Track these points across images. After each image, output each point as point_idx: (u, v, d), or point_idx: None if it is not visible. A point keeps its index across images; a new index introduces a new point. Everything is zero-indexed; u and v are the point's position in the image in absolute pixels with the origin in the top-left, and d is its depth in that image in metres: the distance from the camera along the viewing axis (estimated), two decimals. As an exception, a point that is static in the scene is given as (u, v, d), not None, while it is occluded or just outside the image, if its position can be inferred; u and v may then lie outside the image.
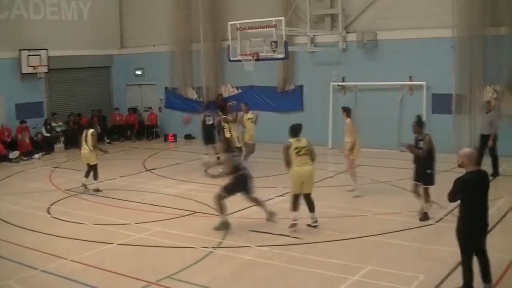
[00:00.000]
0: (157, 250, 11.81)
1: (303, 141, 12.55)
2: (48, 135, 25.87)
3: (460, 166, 9.37)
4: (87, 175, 17.13)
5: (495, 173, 17.39)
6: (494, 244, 9.70)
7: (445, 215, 13.22)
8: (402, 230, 12.27)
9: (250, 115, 19.68)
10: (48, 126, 26.15)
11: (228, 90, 27.26)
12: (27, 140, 24.34)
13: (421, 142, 12.87)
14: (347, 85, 23.45)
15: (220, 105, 21.19)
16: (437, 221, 12.86)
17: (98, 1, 29.45)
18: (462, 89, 20.55)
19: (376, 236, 11.92)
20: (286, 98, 25.07)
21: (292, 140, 12.48)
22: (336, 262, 10.51)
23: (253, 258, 10.95)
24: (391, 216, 13.44)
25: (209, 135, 19.82)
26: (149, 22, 28.99)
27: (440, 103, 21.20)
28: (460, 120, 20.68)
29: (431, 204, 13.08)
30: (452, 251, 10.67)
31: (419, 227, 12.50)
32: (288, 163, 12.41)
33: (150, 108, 29.56)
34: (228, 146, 13.67)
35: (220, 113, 19.57)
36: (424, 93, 21.54)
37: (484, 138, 17.73)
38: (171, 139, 27.78)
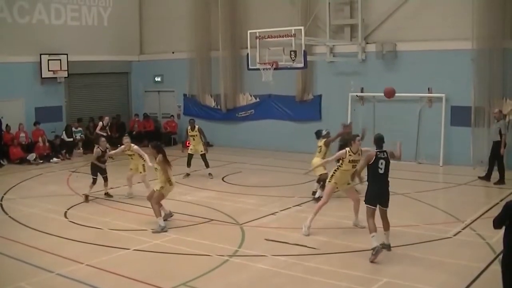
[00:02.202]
0: (173, 257, 11.81)
1: None
2: (71, 139, 26.05)
3: None
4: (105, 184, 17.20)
5: (502, 180, 18.08)
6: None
7: (463, 229, 13.13)
8: (419, 243, 12.17)
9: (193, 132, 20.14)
10: (70, 131, 26.30)
11: (246, 98, 27.25)
12: (45, 143, 24.49)
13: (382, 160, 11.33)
14: (365, 96, 23.38)
15: None
16: (455, 235, 12.76)
17: (118, 7, 29.65)
18: (481, 102, 20.43)
19: (392, 248, 11.82)
20: (305, 108, 25.03)
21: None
22: (352, 274, 10.45)
23: (268, 267, 10.90)
24: (408, 228, 13.34)
25: None
26: (169, 29, 29.14)
27: (459, 115, 21.09)
28: (479, 132, 20.53)
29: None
30: (468, 265, 10.62)
31: (436, 240, 12.39)
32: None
33: (172, 116, 29.58)
34: None
35: None
36: (443, 105, 21.43)
37: (496, 145, 18.27)
38: (188, 146, 27.76)
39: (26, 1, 25.64)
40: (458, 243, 12.23)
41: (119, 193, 17.54)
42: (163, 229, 13.36)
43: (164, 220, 13.67)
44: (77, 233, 13.33)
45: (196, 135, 20.09)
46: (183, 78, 28.76)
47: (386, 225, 11.49)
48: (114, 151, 17.74)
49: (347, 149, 12.87)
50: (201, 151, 20.04)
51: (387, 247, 11.42)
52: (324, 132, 16.66)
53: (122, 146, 17.13)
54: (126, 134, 19.60)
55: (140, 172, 16.88)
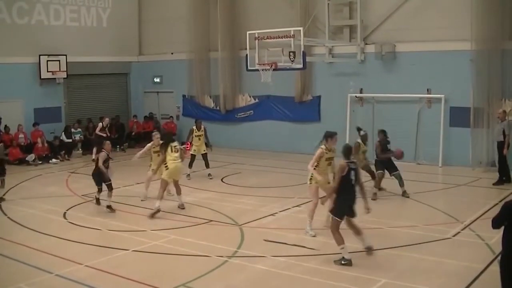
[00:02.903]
0: (172, 257, 11.79)
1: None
2: (70, 140, 26.07)
3: None
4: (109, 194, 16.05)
5: (508, 180, 18.21)
6: None
7: (462, 230, 13.14)
8: (418, 244, 12.17)
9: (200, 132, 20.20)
10: (68, 132, 26.32)
11: (245, 99, 27.26)
12: (44, 144, 24.48)
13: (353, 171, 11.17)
14: (364, 97, 23.39)
15: None
16: (454, 235, 12.76)
17: (118, 8, 29.68)
18: (480, 103, 20.42)
19: (391, 249, 11.84)
20: (303, 108, 25.02)
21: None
22: (351, 274, 10.45)
23: (268, 268, 10.90)
24: (407, 229, 13.35)
25: None
26: (168, 30, 29.16)
27: (458, 116, 21.08)
28: (478, 133, 20.53)
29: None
30: (467, 265, 10.62)
31: (436, 240, 12.38)
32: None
33: (171, 117, 29.57)
34: None
35: None
36: (442, 106, 21.43)
37: (499, 145, 18.33)
38: (187, 147, 27.73)
39: (25, 1, 25.68)
40: (457, 244, 12.24)
41: (119, 193, 17.50)
42: (157, 210, 14.60)
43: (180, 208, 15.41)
44: (76, 234, 13.34)
45: (202, 135, 20.21)
46: (182, 79, 28.77)
47: (358, 230, 11.31)
48: (141, 151, 17.15)
49: (323, 147, 12.90)
50: (204, 151, 20.16)
51: (370, 248, 11.30)
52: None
53: (150, 144, 16.86)
54: (156, 131, 19.62)
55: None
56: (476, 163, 20.56)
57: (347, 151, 11.30)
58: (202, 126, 20.26)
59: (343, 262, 10.88)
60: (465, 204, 15.79)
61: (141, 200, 16.61)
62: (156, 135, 16.89)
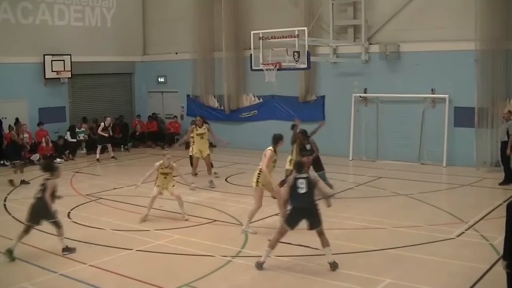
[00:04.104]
0: (176, 257, 11.80)
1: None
2: (74, 140, 26.10)
3: None
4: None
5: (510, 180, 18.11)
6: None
7: (466, 230, 13.12)
8: (422, 244, 12.16)
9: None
10: (74, 132, 26.38)
11: (249, 99, 27.27)
12: (48, 144, 24.51)
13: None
14: (369, 97, 23.37)
15: None
16: (458, 236, 12.75)
17: (122, 8, 29.72)
18: (485, 103, 20.39)
19: (395, 249, 11.83)
20: (308, 108, 24.98)
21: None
22: (355, 274, 10.44)
23: (272, 268, 10.89)
24: (411, 229, 13.34)
25: None
26: (172, 29, 29.17)
27: (462, 116, 21.07)
28: (482, 133, 20.50)
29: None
30: (472, 266, 10.60)
31: (439, 241, 12.37)
32: None
33: (175, 117, 29.54)
34: None
35: None
36: (446, 106, 21.41)
37: (503, 145, 18.25)
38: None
39: (29, 2, 25.73)
40: (462, 244, 12.22)
41: (123, 193, 17.55)
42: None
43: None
44: (80, 234, 13.34)
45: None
46: (186, 79, 28.77)
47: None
48: (146, 175, 14.77)
49: (271, 148, 13.30)
50: (208, 153, 18.99)
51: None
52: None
53: (157, 163, 14.72)
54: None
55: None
56: (481, 163, 20.53)
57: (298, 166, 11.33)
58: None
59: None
60: (469, 204, 15.76)
61: (140, 222, 14.56)
62: (167, 156, 14.89)
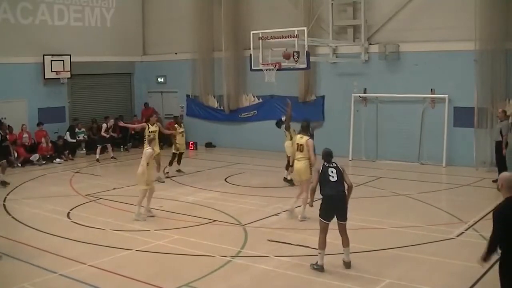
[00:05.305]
0: (175, 257, 11.80)
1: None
2: (74, 140, 26.09)
3: (498, 189, 8.08)
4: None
5: None
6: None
7: (466, 230, 13.12)
8: (422, 244, 12.17)
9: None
10: (73, 132, 26.36)
11: (249, 99, 27.27)
12: (48, 144, 24.51)
13: None
14: (368, 97, 23.37)
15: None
16: (458, 236, 12.75)
17: (121, 8, 29.69)
18: (484, 103, 20.38)
19: (395, 249, 11.83)
20: (307, 108, 24.90)
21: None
22: (354, 274, 10.45)
23: (272, 268, 10.90)
24: (410, 229, 13.34)
25: None
26: (172, 29, 29.14)
27: (462, 116, 21.05)
28: (482, 133, 20.49)
29: None
30: (471, 266, 10.58)
31: (439, 241, 12.38)
32: None
33: (176, 117, 29.42)
34: None
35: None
36: (446, 106, 21.40)
37: (497, 145, 18.29)
38: (191, 147, 27.76)
39: (29, 2, 25.69)
40: (461, 244, 12.23)
41: (123, 193, 17.55)
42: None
43: None
44: (80, 234, 13.35)
45: (183, 131, 21.21)
46: (186, 79, 28.76)
47: None
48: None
49: (308, 137, 14.47)
50: (183, 150, 21.22)
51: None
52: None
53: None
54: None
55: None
56: (480, 163, 20.53)
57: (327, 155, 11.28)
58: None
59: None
60: (469, 204, 15.77)
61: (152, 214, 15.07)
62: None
